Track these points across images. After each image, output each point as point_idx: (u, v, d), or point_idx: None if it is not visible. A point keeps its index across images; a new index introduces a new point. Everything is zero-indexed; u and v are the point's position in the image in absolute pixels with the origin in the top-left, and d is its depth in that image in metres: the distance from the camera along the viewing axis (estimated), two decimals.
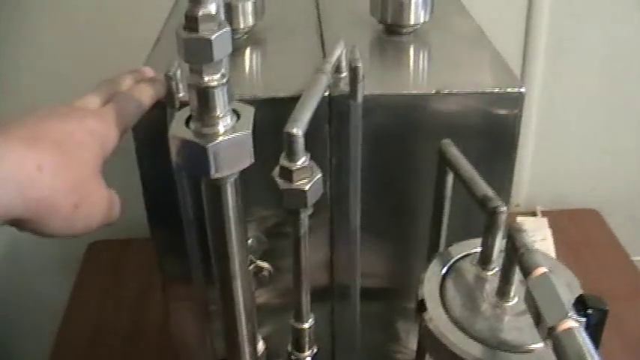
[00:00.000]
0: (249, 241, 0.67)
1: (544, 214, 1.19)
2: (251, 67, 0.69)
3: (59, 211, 0.48)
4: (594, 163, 1.23)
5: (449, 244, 0.61)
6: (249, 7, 0.69)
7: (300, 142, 0.49)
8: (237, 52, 0.69)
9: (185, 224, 0.65)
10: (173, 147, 0.49)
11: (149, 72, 0.63)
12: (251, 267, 0.66)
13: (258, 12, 0.71)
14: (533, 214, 1.21)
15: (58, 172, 0.47)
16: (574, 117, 1.18)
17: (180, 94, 0.59)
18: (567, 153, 1.22)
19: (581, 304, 0.44)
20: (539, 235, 1.11)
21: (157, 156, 0.58)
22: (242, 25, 0.70)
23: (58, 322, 1.01)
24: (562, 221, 1.18)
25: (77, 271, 1.11)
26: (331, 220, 0.67)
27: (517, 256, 0.46)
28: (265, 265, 0.67)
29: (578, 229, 1.18)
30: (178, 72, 0.58)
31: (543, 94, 1.14)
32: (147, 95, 0.58)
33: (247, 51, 0.70)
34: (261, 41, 0.73)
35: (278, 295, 0.71)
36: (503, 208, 0.51)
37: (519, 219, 1.15)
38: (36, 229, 0.48)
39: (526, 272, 0.45)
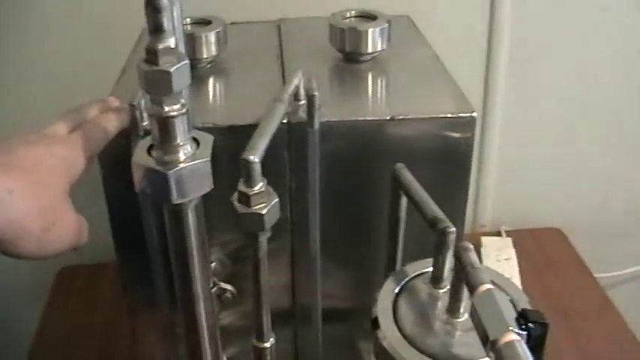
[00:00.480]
0: (213, 265, 0.69)
1: (508, 233, 1.21)
2: (214, 95, 0.71)
3: (30, 234, 0.50)
4: (557, 183, 1.25)
5: (405, 264, 0.64)
6: (213, 37, 0.72)
7: (257, 169, 0.51)
8: (200, 81, 0.71)
9: (150, 249, 0.66)
10: (136, 174, 0.51)
11: (114, 102, 0.65)
12: (214, 289, 0.67)
13: (221, 42, 0.73)
14: (498, 234, 1.23)
15: (29, 196, 0.50)
16: (537, 137, 1.20)
17: (145, 123, 0.61)
18: (531, 173, 1.24)
19: (522, 319, 0.46)
20: (503, 255, 1.13)
21: (123, 183, 0.59)
22: (205, 55, 0.72)
23: (28, 347, 1.02)
24: (526, 241, 1.20)
25: (47, 296, 1.11)
26: (292, 243, 0.69)
27: (464, 273, 0.49)
28: (228, 287, 0.68)
29: (542, 248, 1.20)
30: (142, 102, 0.60)
31: (505, 115, 1.16)
32: (112, 124, 0.60)
33: (210, 80, 0.73)
34: (224, 71, 0.75)
35: (242, 316, 0.73)
36: (452, 229, 0.53)
37: (484, 239, 1.17)
38: (7, 250, 0.49)
39: (472, 289, 0.47)
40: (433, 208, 0.55)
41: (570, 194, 1.27)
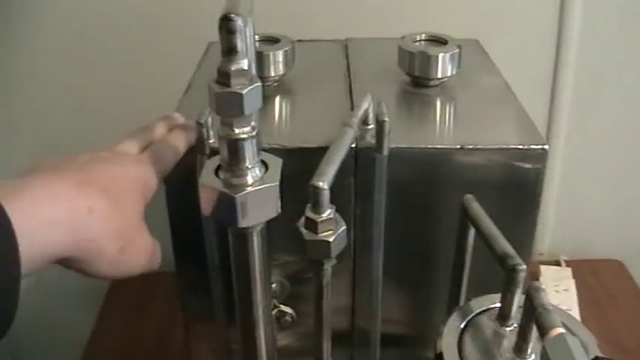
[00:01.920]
0: (273, 286, 0.68)
1: (568, 263, 1.19)
2: (280, 115, 0.70)
3: (106, 254, 0.49)
4: (619, 213, 1.23)
5: (469, 294, 0.63)
6: (280, 56, 0.72)
7: (326, 195, 0.51)
8: (266, 100, 0.70)
9: (210, 266, 0.66)
10: (202, 195, 0.51)
11: (180, 118, 0.65)
12: (274, 311, 0.67)
13: (288, 61, 0.73)
14: (557, 262, 1.20)
15: (107, 216, 0.49)
16: (598, 166, 1.18)
17: (211, 141, 0.60)
18: (591, 202, 1.22)
19: None
20: (562, 286, 1.11)
21: (186, 199, 0.59)
22: (272, 74, 0.72)
23: (80, 355, 1.02)
24: (585, 271, 1.17)
25: (100, 304, 1.12)
26: (354, 267, 0.68)
27: (535, 315, 0.47)
28: (288, 310, 0.68)
29: (602, 279, 1.17)
30: (209, 119, 0.60)
31: (569, 142, 1.14)
32: (181, 142, 0.60)
33: (277, 99, 0.72)
34: (291, 90, 0.74)
35: (300, 338, 0.72)
36: (522, 267, 0.52)
37: (543, 268, 1.15)
38: (83, 269, 0.49)
39: (543, 332, 0.45)
40: (503, 244, 0.53)
41: (631, 225, 1.24)
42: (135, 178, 0.53)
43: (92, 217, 0.48)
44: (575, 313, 1.04)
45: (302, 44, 0.83)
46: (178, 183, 0.62)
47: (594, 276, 1.18)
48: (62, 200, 0.47)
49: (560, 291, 1.10)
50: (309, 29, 0.90)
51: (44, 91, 1.09)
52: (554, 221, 1.22)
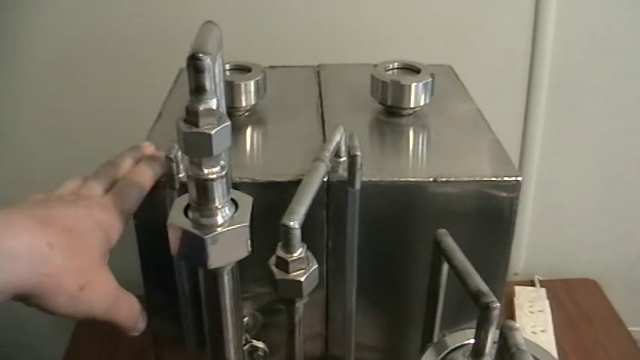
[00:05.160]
0: (245, 319, 0.67)
1: (542, 283, 1.19)
2: (251, 147, 0.69)
3: (65, 290, 0.49)
4: (593, 233, 1.24)
5: (443, 323, 0.62)
6: (252, 86, 0.71)
7: (297, 235, 0.50)
8: (237, 131, 0.70)
9: (181, 301, 0.65)
10: (171, 235, 0.50)
11: (149, 148, 0.64)
12: (246, 347, 0.66)
13: (260, 91, 0.72)
14: (532, 282, 1.20)
15: (68, 252, 0.49)
16: (572, 186, 1.19)
17: (181, 175, 0.59)
18: (566, 222, 1.23)
19: None
20: (537, 307, 1.11)
21: (155, 232, 0.58)
22: (244, 104, 0.71)
23: None
24: (560, 291, 1.17)
25: (73, 327, 1.11)
26: (326, 298, 0.67)
27: (509, 355, 0.47)
28: (260, 345, 0.67)
29: (577, 300, 1.17)
30: (179, 154, 0.59)
31: (542, 163, 1.15)
32: (147, 179, 0.59)
33: (248, 130, 0.71)
34: (262, 120, 0.74)
35: None
36: (497, 304, 0.51)
37: (517, 289, 1.15)
38: (42, 304, 0.49)
39: None
40: (477, 282, 0.53)
41: (606, 245, 1.25)
42: (98, 222, 0.53)
43: (52, 252, 0.48)
44: (550, 333, 1.05)
45: (273, 70, 0.82)
46: (147, 217, 0.61)
47: (569, 295, 1.18)
48: (22, 234, 0.47)
49: (534, 312, 1.10)
50: (280, 54, 0.90)
51: (18, 116, 1.08)
52: (529, 241, 1.23)
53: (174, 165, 0.59)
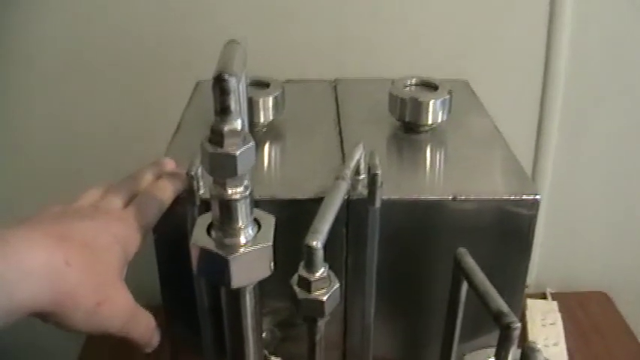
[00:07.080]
0: (263, 335, 0.67)
1: (554, 296, 1.19)
2: (270, 163, 0.70)
3: (82, 307, 0.49)
4: (604, 246, 1.23)
5: (461, 342, 0.62)
6: (270, 102, 0.71)
7: (320, 255, 0.50)
8: (256, 147, 0.70)
9: (200, 316, 0.65)
10: (194, 255, 0.50)
11: (169, 164, 0.64)
12: None
13: (278, 107, 0.72)
14: (543, 295, 1.20)
15: (85, 269, 0.49)
16: (584, 200, 1.19)
17: (201, 192, 0.60)
18: (577, 235, 1.23)
19: None
20: (549, 320, 1.11)
21: (175, 247, 0.59)
22: (262, 120, 0.72)
23: None
24: (572, 304, 1.17)
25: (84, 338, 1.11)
26: (345, 314, 0.67)
27: None
28: None
29: (589, 312, 1.17)
30: (199, 170, 0.59)
31: (555, 176, 1.15)
32: (167, 194, 0.59)
33: (266, 146, 0.72)
34: (280, 136, 0.74)
35: None
36: (517, 325, 0.51)
37: (529, 302, 1.15)
38: (59, 321, 0.49)
39: None
40: (497, 301, 0.53)
41: (617, 258, 1.25)
42: (116, 236, 0.53)
43: (69, 269, 0.47)
44: (562, 346, 1.04)
45: (291, 85, 0.82)
46: (167, 233, 0.62)
47: (581, 308, 1.18)
48: (39, 251, 0.46)
49: (546, 325, 1.10)
50: (298, 68, 0.90)
51: (32, 128, 1.08)
52: (541, 254, 1.22)
53: (194, 182, 0.59)
